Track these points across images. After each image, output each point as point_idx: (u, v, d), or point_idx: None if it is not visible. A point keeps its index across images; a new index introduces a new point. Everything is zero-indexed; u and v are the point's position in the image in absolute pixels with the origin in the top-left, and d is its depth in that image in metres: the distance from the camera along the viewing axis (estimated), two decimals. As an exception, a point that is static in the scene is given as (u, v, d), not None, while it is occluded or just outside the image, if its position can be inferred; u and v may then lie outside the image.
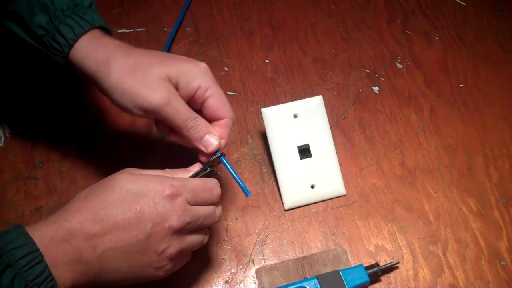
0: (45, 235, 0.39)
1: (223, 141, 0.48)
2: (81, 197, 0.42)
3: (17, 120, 0.63)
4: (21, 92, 0.64)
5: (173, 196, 0.42)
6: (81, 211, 0.40)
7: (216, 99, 0.47)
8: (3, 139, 0.62)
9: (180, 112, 0.45)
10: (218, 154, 0.48)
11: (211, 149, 0.47)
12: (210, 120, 0.49)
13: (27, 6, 0.47)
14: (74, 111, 0.63)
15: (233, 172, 0.49)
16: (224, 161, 0.48)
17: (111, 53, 0.46)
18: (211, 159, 0.48)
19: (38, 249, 0.37)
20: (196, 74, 0.47)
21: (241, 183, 0.49)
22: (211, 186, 0.46)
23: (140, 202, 0.41)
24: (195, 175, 0.47)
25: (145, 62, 0.46)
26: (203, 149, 0.47)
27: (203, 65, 0.47)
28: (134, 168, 0.45)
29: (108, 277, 0.41)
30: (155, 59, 0.46)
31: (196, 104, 0.48)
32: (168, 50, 0.67)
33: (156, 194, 0.42)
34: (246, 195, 0.49)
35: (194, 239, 0.45)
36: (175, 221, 0.42)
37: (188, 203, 0.44)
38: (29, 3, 0.47)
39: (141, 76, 0.45)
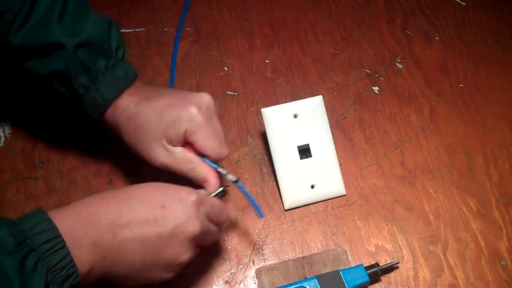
0: (68, 216, 0.39)
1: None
2: (105, 192, 0.43)
3: (18, 120, 0.63)
4: (21, 92, 0.64)
5: (198, 204, 0.43)
6: (106, 200, 0.41)
7: (200, 144, 0.48)
8: (3, 139, 0.62)
9: (179, 169, 0.49)
10: (234, 179, 0.50)
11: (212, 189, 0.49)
12: None
13: (73, 68, 0.48)
14: (75, 111, 0.63)
15: (248, 195, 0.51)
16: (240, 186, 0.51)
17: (120, 121, 0.50)
18: (229, 183, 0.50)
19: (60, 235, 0.37)
20: (183, 121, 0.48)
21: (255, 205, 0.51)
22: (225, 208, 0.48)
23: (168, 200, 0.42)
24: (215, 195, 0.49)
25: (144, 126, 0.48)
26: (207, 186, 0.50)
27: (192, 110, 0.48)
28: None
29: (121, 269, 0.41)
30: (153, 120, 0.48)
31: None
32: (176, 55, 0.68)
33: (184, 197, 0.43)
34: (260, 217, 0.52)
35: (197, 252, 0.46)
36: (198, 227, 0.42)
37: (206, 216, 0.44)
38: (75, 65, 0.48)
39: (142, 141, 0.49)
